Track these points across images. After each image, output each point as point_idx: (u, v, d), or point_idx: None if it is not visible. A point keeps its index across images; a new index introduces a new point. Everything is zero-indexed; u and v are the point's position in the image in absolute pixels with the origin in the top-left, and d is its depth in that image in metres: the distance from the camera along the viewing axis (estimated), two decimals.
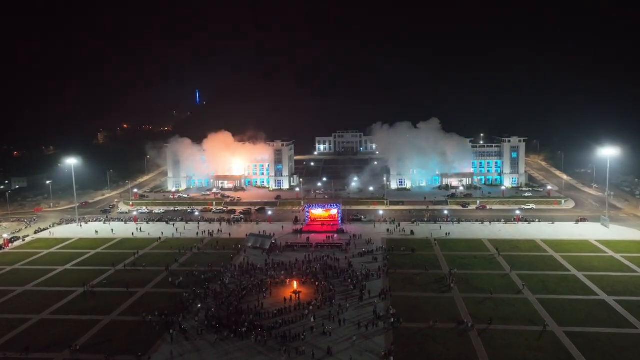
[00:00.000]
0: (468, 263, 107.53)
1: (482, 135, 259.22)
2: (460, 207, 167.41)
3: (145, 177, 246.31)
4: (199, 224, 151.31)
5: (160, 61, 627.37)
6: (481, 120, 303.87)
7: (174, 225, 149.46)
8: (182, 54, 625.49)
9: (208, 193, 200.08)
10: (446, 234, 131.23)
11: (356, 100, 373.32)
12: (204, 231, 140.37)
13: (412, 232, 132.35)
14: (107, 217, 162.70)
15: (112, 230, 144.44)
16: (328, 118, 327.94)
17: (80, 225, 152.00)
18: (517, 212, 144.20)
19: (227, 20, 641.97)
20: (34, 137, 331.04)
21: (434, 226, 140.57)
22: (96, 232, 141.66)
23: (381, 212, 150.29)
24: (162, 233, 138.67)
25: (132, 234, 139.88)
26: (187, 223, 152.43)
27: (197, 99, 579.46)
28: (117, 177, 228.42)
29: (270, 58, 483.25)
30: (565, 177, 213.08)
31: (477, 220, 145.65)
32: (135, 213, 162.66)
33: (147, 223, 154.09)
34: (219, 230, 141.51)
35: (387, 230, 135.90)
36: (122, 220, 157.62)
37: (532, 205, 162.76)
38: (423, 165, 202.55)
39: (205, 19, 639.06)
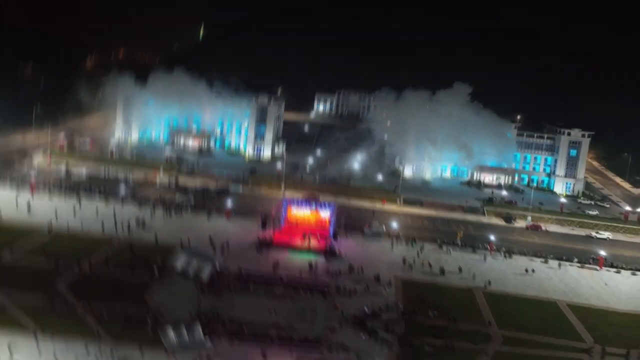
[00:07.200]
0: None
1: (518, 117, 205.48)
2: (502, 222, 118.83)
3: (96, 120, 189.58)
4: (121, 206, 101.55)
5: None
6: (505, 98, 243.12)
7: (79, 205, 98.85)
8: None
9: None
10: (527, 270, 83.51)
11: (371, 58, 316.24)
12: (121, 222, 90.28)
13: (442, 271, 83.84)
14: None
15: None
16: (336, 73, 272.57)
17: None
18: (602, 252, 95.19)
19: None
20: (7, 52, 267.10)
21: (474, 257, 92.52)
22: None
23: (395, 225, 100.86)
24: (56, 219, 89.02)
25: None
26: (106, 203, 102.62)
27: (200, 36, 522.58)
28: (57, 114, 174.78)
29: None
30: (629, 187, 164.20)
31: (535, 255, 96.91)
32: (33, 178, 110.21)
33: (50, 194, 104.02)
34: (142, 222, 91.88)
35: (404, 261, 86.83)
36: (16, 187, 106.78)
37: (607, 235, 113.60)
38: (439, 156, 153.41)
39: None
